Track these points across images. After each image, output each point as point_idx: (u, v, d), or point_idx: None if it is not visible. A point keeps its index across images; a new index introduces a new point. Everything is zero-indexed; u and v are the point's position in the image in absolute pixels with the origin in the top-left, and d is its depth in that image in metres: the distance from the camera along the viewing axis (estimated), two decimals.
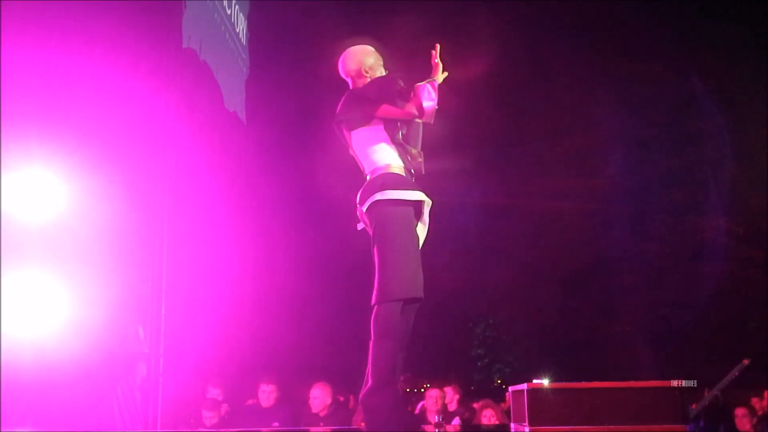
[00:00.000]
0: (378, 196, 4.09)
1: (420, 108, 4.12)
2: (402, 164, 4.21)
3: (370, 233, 4.21)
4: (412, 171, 4.28)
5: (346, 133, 4.34)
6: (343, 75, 4.46)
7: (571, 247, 16.93)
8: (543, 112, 16.87)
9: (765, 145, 15.10)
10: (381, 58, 4.45)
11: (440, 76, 4.29)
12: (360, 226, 4.36)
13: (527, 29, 15.95)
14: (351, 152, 4.43)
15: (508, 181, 16.75)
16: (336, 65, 4.54)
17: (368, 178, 4.27)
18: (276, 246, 10.55)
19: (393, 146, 4.23)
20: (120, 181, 6.00)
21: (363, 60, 4.40)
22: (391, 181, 4.14)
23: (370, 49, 4.46)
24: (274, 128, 11.29)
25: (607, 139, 16.73)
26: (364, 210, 4.16)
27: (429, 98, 4.12)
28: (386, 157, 4.21)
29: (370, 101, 4.17)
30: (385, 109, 4.16)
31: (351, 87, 4.43)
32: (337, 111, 4.32)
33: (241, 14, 10.24)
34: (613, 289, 16.68)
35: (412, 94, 4.14)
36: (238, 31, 10.11)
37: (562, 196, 16.65)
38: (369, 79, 4.35)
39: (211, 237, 8.38)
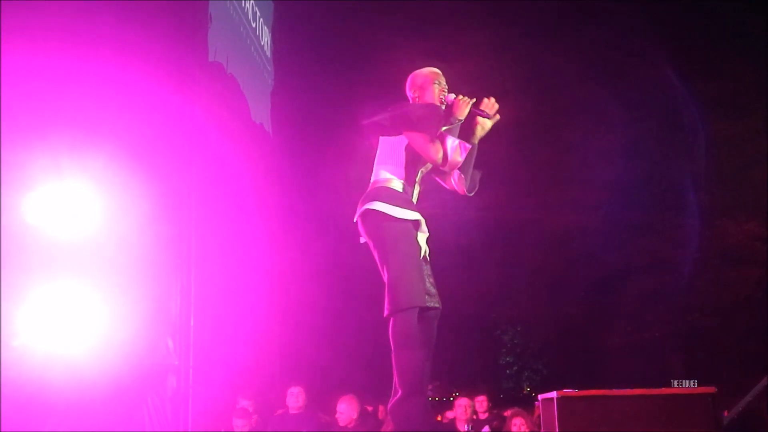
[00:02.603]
0: (367, 206, 4.11)
1: (445, 160, 4.14)
2: (402, 181, 4.21)
3: (370, 245, 4.22)
4: (417, 191, 4.29)
5: (372, 137, 4.37)
6: (407, 91, 4.50)
7: (599, 254, 16.82)
8: (564, 120, 16.81)
9: None
10: (438, 79, 4.40)
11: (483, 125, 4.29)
12: (362, 240, 4.36)
13: (533, 41, 15.94)
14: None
15: (535, 190, 16.70)
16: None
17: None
18: (304, 258, 10.59)
19: (406, 165, 4.25)
20: (149, 194, 6.05)
21: (413, 81, 4.42)
22: (384, 194, 4.13)
23: (426, 70, 4.45)
24: (299, 139, 11.35)
25: (634, 144, 16.64)
26: (355, 220, 4.17)
27: (458, 155, 4.14)
28: (392, 171, 4.24)
29: (409, 121, 4.17)
30: (417, 139, 4.17)
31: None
32: (377, 114, 4.32)
33: (265, 27, 10.32)
34: (641, 295, 16.56)
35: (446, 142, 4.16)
36: (263, 43, 10.19)
37: (588, 203, 16.57)
38: (416, 97, 4.37)
39: (239, 249, 8.43)
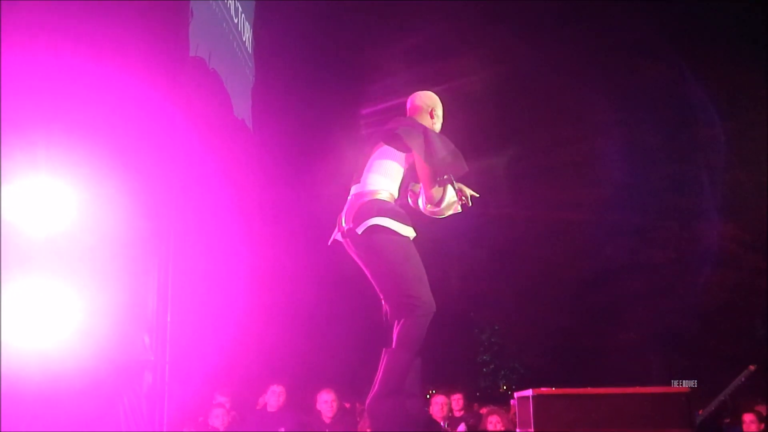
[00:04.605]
0: (376, 221, 4.12)
1: (439, 203, 4.27)
2: (394, 197, 4.27)
3: (358, 253, 4.24)
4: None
5: (378, 144, 4.37)
6: (412, 103, 4.58)
7: (578, 255, 16.93)
8: (549, 122, 16.88)
9: None
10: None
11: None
12: (332, 239, 4.41)
13: (532, 40, 15.99)
14: (365, 158, 4.45)
15: (515, 191, 16.75)
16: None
17: (354, 191, 4.31)
18: (283, 254, 10.57)
19: (402, 182, 4.30)
20: (127, 190, 6.02)
21: (436, 105, 4.55)
22: (390, 210, 4.19)
23: (440, 103, 4.60)
24: (280, 136, 11.33)
25: (613, 147, 16.74)
26: (360, 232, 4.16)
27: (449, 210, 4.32)
28: (388, 184, 4.26)
29: (426, 148, 4.19)
30: (424, 171, 4.23)
31: (408, 114, 4.54)
32: (396, 126, 4.35)
33: (247, 23, 10.29)
34: (619, 296, 16.67)
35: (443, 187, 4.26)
36: (244, 39, 10.16)
37: (568, 204, 16.64)
38: (430, 121, 4.47)
39: (218, 245, 8.40)
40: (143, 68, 6.34)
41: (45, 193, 5.50)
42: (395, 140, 4.28)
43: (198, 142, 7.70)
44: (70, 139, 5.60)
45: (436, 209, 4.32)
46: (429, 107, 4.52)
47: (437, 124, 4.52)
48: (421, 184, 4.32)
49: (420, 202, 4.41)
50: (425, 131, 4.27)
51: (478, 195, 4.43)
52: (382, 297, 4.24)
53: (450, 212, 4.37)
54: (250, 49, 10.46)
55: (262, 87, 10.80)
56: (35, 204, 5.44)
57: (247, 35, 10.33)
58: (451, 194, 4.26)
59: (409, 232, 4.20)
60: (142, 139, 6.33)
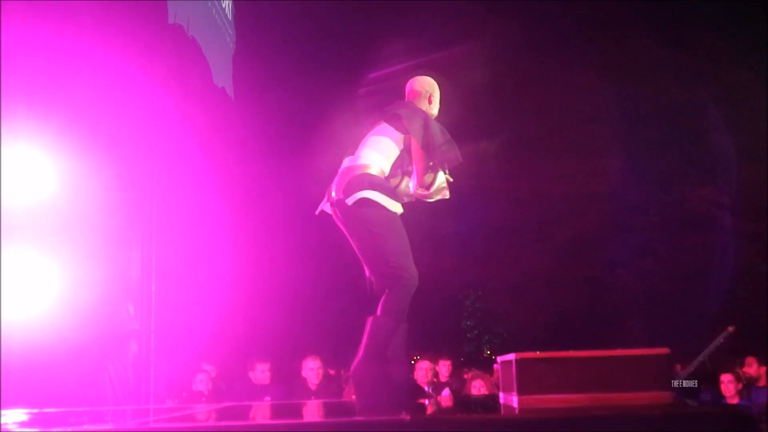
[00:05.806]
0: (367, 195, 4.15)
1: (429, 187, 4.33)
2: (385, 174, 4.29)
3: (346, 223, 4.27)
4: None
5: (378, 121, 4.42)
6: (411, 87, 4.63)
7: (561, 220, 16.99)
8: (530, 89, 16.85)
9: (755, 116, 15.14)
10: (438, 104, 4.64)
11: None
12: (320, 209, 4.44)
13: (515, 11, 15.92)
14: (362, 133, 4.48)
15: (497, 162, 16.74)
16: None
17: (346, 164, 4.34)
18: (265, 224, 10.55)
19: (395, 162, 4.34)
20: (109, 160, 5.99)
21: (434, 91, 4.62)
22: (381, 185, 4.24)
23: (435, 83, 4.66)
24: (262, 104, 11.26)
25: (595, 111, 16.74)
26: (350, 204, 4.19)
27: (438, 194, 4.38)
28: (382, 162, 4.30)
29: (424, 133, 4.27)
30: (419, 155, 4.28)
31: (407, 99, 4.59)
32: (398, 107, 4.41)
33: None
34: (602, 260, 16.78)
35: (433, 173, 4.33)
36: (224, 6, 10.06)
37: (551, 170, 16.68)
38: (428, 107, 4.53)
39: (201, 216, 8.38)
40: (121, 38, 6.28)
41: (25, 163, 5.47)
42: (395, 120, 4.34)
43: (177, 111, 7.65)
44: (49, 110, 5.56)
45: (426, 193, 4.37)
46: (428, 93, 4.58)
47: (434, 109, 4.60)
48: (413, 167, 4.35)
49: (410, 185, 4.45)
50: (426, 118, 4.34)
51: (452, 180, 4.46)
52: (367, 268, 4.28)
53: (438, 197, 4.44)
54: (230, 16, 10.36)
55: (244, 54, 10.71)
56: (15, 174, 5.42)
57: (227, 2, 10.23)
58: (441, 180, 4.35)
59: (397, 207, 4.26)
60: (121, 110, 6.29)
